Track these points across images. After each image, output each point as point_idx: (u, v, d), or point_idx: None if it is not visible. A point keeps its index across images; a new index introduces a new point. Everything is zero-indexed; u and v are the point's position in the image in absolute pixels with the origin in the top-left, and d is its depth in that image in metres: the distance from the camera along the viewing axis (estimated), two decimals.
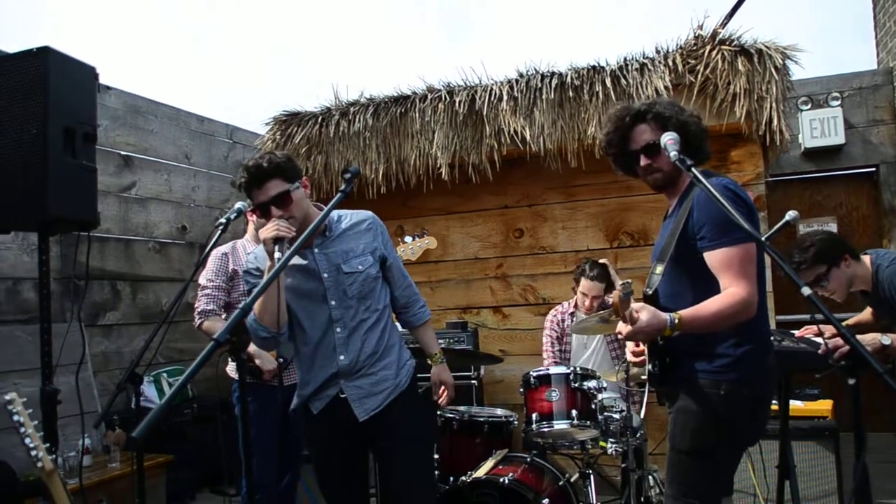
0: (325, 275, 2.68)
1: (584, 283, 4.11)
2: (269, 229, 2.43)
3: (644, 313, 2.16)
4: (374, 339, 2.71)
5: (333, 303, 2.68)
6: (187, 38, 12.53)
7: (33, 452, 2.33)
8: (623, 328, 2.22)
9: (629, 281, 2.21)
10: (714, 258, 2.19)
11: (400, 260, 2.94)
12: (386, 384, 2.70)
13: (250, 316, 2.40)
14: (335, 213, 2.76)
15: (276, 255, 2.36)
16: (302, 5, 13.20)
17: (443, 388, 2.94)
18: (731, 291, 2.15)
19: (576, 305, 4.27)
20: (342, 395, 2.67)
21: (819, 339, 2.60)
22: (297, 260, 2.65)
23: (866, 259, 3.24)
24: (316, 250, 2.69)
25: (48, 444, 2.38)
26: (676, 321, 2.16)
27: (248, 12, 12.96)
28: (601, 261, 4.20)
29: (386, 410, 2.68)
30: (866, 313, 3.55)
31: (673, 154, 2.20)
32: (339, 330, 2.67)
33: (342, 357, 2.66)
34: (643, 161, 2.42)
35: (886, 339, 2.99)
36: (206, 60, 12.77)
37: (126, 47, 11.33)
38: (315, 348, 2.71)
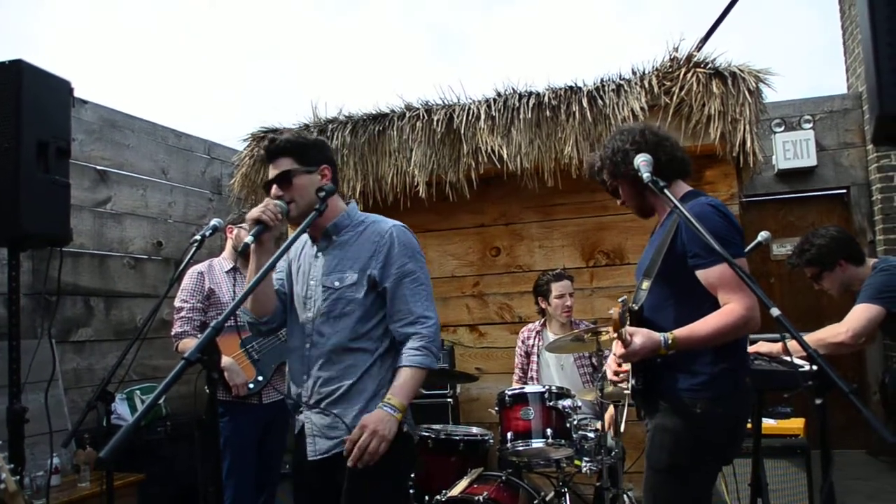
0: (312, 281, 2.43)
1: (557, 286, 4.18)
2: (257, 209, 2.27)
3: (638, 336, 2.18)
4: (338, 372, 2.31)
5: (310, 314, 2.39)
6: (166, 51, 12.50)
7: None
8: (618, 350, 2.24)
9: (626, 297, 2.24)
10: (710, 275, 2.21)
11: (414, 288, 2.35)
12: (339, 432, 2.28)
13: None
14: (360, 217, 2.49)
15: (248, 238, 2.21)
16: (282, 21, 13.25)
17: (363, 436, 2.13)
18: (729, 308, 2.17)
19: (543, 325, 4.31)
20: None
21: (796, 360, 2.64)
22: (308, 249, 2.52)
23: (871, 263, 3.36)
24: (314, 250, 2.49)
25: (12, 465, 2.34)
26: (670, 341, 2.18)
27: (228, 26, 12.98)
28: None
29: (336, 461, 2.26)
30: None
31: (646, 176, 2.23)
32: (307, 346, 2.37)
33: (304, 377, 2.37)
34: (619, 202, 2.58)
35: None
36: (184, 75, 12.74)
37: (103, 61, 11.28)
38: (292, 356, 2.47)
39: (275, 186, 2.36)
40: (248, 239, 2.21)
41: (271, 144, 2.39)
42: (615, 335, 2.20)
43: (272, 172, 2.37)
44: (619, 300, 2.22)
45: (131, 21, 11.60)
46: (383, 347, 2.37)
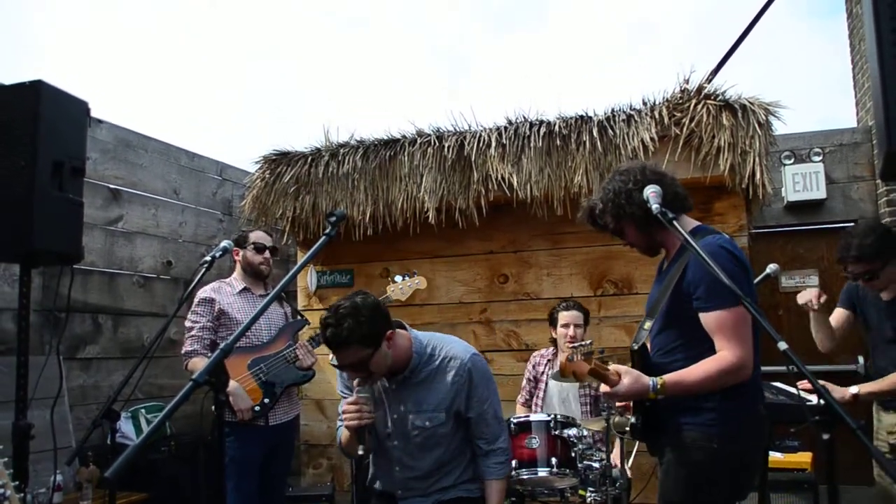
0: (394, 415, 2.65)
1: (563, 315, 4.14)
2: (352, 419, 2.46)
3: (627, 377, 2.18)
4: (434, 480, 2.70)
5: (396, 443, 2.67)
6: (181, 74, 12.63)
7: None
8: (603, 389, 2.23)
9: (590, 341, 2.27)
10: (709, 320, 2.22)
11: (491, 410, 2.75)
12: (436, 496, 2.71)
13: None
14: (427, 348, 2.67)
15: (360, 450, 2.45)
16: (282, 21, 13.38)
17: None
18: (721, 355, 2.17)
19: (554, 354, 4.28)
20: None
21: (804, 394, 2.63)
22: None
23: None
24: (387, 384, 2.64)
25: (17, 482, 2.33)
26: (659, 386, 2.17)
27: (245, 52, 13.12)
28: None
29: None
30: None
31: (655, 207, 2.23)
32: (398, 468, 2.69)
33: (400, 492, 2.72)
34: (624, 244, 2.58)
35: (854, 389, 3.05)
36: (198, 97, 12.87)
37: (120, 80, 11.40)
38: (379, 468, 2.80)
39: (350, 371, 2.51)
40: (361, 450, 2.45)
41: (334, 338, 2.40)
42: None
43: (343, 360, 2.46)
44: (575, 345, 2.26)
45: (131, 21, 11.72)
46: (467, 452, 2.76)
